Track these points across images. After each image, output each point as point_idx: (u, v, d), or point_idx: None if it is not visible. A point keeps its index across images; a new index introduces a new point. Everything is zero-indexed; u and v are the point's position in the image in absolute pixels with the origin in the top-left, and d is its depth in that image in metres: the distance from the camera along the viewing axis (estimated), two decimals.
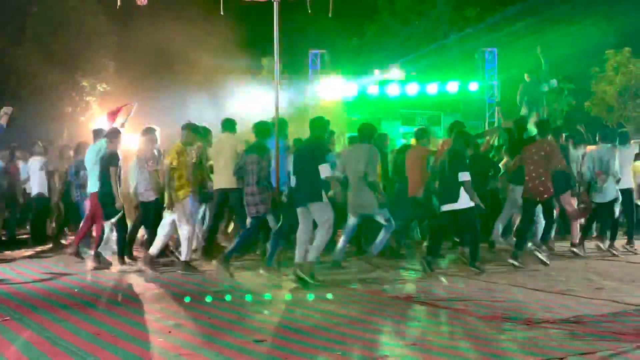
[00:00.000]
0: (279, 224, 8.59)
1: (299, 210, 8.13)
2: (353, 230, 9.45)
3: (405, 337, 5.50)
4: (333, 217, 8.01)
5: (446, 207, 8.69)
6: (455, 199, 8.54)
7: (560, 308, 6.44)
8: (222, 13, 8.68)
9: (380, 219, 8.98)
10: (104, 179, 9.16)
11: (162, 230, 8.97)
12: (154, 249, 8.95)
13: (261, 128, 8.94)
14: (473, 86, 21.28)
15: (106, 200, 9.17)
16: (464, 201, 8.55)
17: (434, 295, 7.25)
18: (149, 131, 9.54)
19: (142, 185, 9.50)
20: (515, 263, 8.99)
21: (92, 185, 9.62)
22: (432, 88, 21.10)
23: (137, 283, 8.25)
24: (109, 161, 9.15)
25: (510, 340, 5.26)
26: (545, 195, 9.35)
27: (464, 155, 8.85)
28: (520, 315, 6.06)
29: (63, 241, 11.74)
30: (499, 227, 10.36)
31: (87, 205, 10.27)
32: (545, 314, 6.09)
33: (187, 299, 6.74)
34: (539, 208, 9.65)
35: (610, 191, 10.43)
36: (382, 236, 9.09)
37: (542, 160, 9.32)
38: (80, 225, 10.22)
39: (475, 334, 5.53)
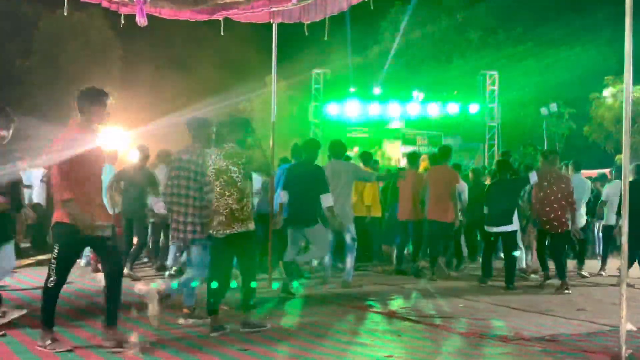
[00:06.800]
0: None
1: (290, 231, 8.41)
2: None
3: (382, 349, 5.69)
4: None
5: (500, 229, 9.44)
6: (510, 221, 9.38)
7: (537, 327, 6.66)
8: (222, 34, 8.93)
9: (347, 237, 9.09)
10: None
11: None
12: None
13: None
14: (473, 108, 21.37)
15: None
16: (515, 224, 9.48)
17: (418, 311, 7.45)
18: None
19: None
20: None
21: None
22: (433, 109, 21.18)
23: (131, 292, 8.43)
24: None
25: (482, 356, 5.48)
26: (563, 228, 9.31)
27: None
28: (498, 333, 6.29)
29: None
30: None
31: None
32: (523, 332, 6.31)
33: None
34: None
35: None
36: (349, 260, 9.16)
37: (557, 190, 9.24)
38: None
39: (450, 348, 5.74)
